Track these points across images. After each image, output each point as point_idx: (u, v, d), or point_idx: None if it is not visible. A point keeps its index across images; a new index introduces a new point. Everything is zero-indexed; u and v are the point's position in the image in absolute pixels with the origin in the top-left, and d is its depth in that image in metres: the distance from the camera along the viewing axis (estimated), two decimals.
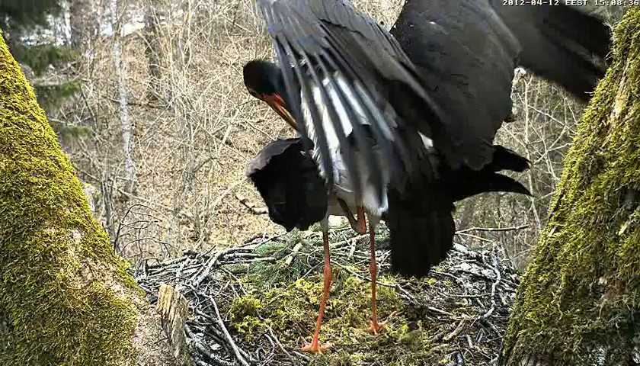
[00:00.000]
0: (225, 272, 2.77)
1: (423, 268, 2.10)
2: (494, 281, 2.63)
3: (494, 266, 2.81)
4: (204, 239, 10.19)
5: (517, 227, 6.84)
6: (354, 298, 2.49)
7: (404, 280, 2.67)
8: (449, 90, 1.77)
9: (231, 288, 2.62)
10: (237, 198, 12.19)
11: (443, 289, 2.63)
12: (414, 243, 1.96)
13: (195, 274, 2.76)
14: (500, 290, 2.57)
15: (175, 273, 2.87)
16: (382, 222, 2.21)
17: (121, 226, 5.20)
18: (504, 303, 2.43)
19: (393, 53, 1.61)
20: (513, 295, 2.39)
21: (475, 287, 2.66)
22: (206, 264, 2.84)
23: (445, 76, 1.79)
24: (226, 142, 12.38)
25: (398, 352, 2.05)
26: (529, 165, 2.03)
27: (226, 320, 2.29)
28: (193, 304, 2.44)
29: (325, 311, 2.36)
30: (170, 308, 1.69)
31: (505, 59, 1.87)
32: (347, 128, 1.42)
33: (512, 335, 1.51)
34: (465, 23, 1.87)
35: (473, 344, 2.13)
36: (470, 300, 2.51)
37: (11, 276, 1.54)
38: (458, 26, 1.86)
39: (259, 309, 2.34)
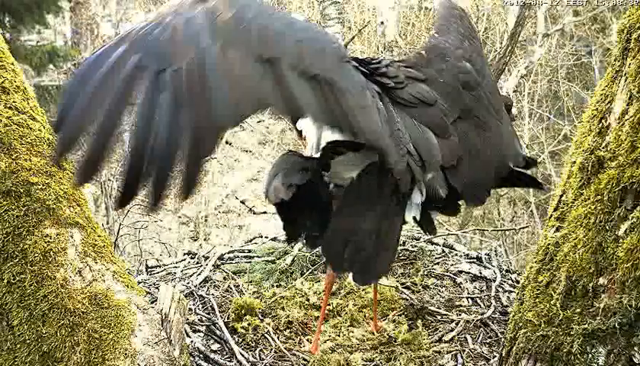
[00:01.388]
0: (225, 272, 2.77)
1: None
2: (494, 281, 2.63)
3: (494, 266, 2.81)
4: (204, 239, 10.17)
5: (517, 227, 6.83)
6: (354, 298, 2.49)
7: (404, 280, 2.67)
8: (469, 128, 1.82)
9: (231, 288, 2.61)
10: (237, 198, 12.18)
11: (443, 289, 2.63)
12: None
13: (195, 274, 2.76)
14: (500, 290, 2.57)
15: (175, 273, 2.87)
16: None
17: (121, 226, 5.19)
18: (504, 303, 2.44)
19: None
20: (513, 295, 2.40)
21: (475, 287, 2.66)
22: (206, 264, 2.84)
23: (469, 115, 1.83)
24: (226, 142, 12.37)
25: (398, 352, 2.05)
26: (543, 187, 2.07)
27: (226, 320, 2.29)
28: (193, 304, 2.43)
29: (325, 311, 2.36)
30: (170, 308, 1.69)
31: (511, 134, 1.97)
32: None
33: (512, 335, 1.50)
34: (490, 79, 1.96)
35: (473, 344, 2.13)
36: (470, 300, 2.51)
37: (11, 276, 1.54)
38: (486, 75, 1.94)
39: (259, 309, 2.33)
